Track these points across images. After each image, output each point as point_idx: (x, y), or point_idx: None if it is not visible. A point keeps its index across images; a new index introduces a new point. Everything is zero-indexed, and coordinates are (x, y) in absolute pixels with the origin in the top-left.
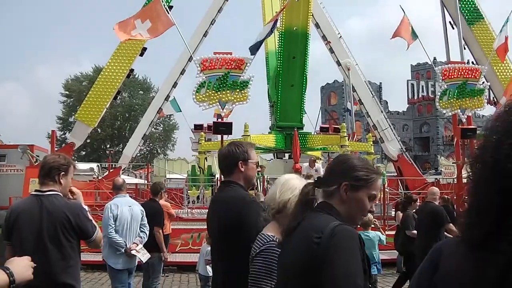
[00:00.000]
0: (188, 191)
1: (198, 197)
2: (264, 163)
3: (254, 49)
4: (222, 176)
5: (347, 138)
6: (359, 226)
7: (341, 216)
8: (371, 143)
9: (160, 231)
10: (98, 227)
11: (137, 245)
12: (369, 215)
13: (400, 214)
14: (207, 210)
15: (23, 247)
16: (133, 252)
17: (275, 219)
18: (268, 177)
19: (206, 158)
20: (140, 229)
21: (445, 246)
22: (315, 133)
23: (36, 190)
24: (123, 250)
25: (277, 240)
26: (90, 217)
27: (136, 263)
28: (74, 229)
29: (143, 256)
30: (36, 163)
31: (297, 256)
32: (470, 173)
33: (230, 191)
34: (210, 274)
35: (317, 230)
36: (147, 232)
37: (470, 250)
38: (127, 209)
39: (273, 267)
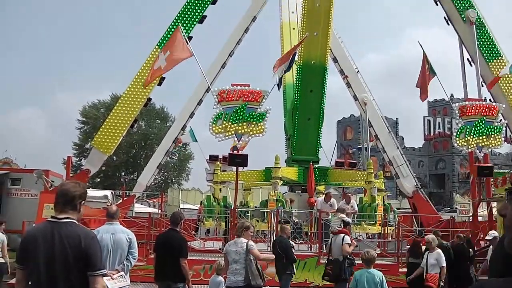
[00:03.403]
0: (205, 222)
1: (208, 229)
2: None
3: (279, 84)
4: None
5: (373, 175)
6: (362, 262)
7: None
8: (383, 179)
9: (186, 261)
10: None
11: (118, 271)
12: (373, 252)
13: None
14: (220, 241)
15: (35, 273)
16: (105, 278)
17: None
18: (282, 210)
19: (220, 189)
20: (126, 257)
21: (487, 286)
22: (333, 167)
23: (52, 217)
24: None
25: None
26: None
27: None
28: (82, 255)
29: (115, 284)
30: (51, 189)
31: None
32: None
33: None
34: None
35: None
36: (133, 261)
37: None
38: (108, 236)
39: None
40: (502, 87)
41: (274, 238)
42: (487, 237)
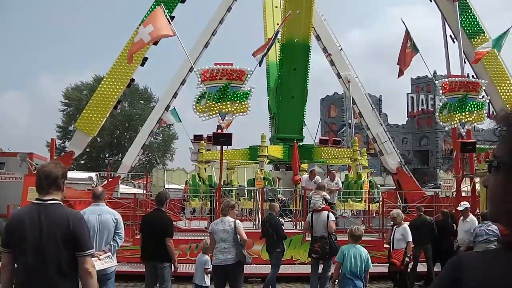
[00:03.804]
0: (191, 202)
1: (194, 209)
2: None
3: (260, 61)
4: None
5: (359, 152)
6: (348, 238)
7: None
8: (367, 156)
9: (171, 241)
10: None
11: (105, 252)
12: (362, 229)
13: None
14: (206, 221)
15: (23, 256)
16: (93, 259)
17: None
18: (267, 189)
19: (205, 169)
20: (113, 238)
21: (465, 258)
22: (318, 145)
23: (37, 199)
24: None
25: None
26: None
27: (112, 270)
28: (70, 236)
29: (102, 265)
30: (35, 171)
31: None
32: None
33: None
34: (207, 283)
35: None
36: (119, 242)
37: None
38: (94, 217)
39: None
40: (485, 63)
41: (261, 217)
42: (459, 208)
